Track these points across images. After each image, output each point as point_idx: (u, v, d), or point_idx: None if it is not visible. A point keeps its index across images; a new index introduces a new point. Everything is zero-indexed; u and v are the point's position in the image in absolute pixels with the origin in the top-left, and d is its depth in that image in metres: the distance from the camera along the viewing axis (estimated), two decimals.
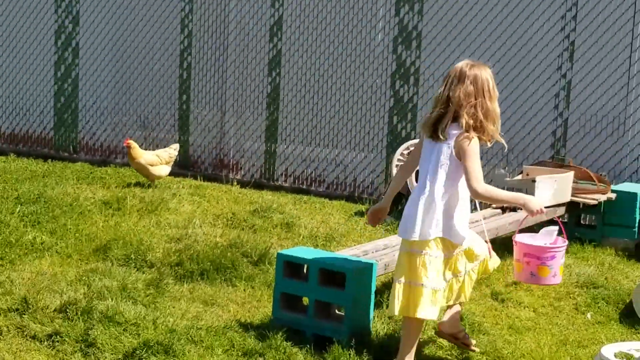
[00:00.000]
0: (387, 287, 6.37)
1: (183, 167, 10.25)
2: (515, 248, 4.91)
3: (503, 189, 7.37)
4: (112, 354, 4.99)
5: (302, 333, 5.23)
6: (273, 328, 5.20)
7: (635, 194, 7.42)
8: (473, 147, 4.73)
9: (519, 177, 7.75)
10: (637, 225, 7.34)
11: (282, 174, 9.79)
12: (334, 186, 9.52)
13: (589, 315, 6.01)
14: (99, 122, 10.70)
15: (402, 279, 4.82)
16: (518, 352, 5.37)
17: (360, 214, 8.56)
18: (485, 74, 4.88)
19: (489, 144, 4.86)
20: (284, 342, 5.07)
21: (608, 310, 6.09)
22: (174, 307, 5.78)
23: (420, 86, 9.03)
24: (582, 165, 7.55)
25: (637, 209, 7.39)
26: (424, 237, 4.79)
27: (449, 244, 4.85)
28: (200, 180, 9.54)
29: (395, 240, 6.18)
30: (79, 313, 5.40)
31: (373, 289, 5.38)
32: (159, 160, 8.77)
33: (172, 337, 5.04)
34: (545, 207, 7.20)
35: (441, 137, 4.78)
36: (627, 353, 4.30)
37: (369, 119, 9.30)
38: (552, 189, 7.27)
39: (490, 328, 5.75)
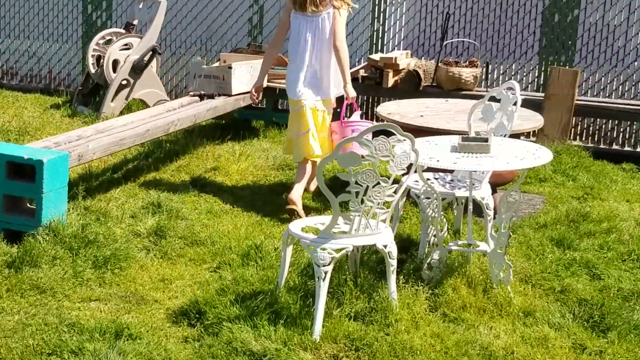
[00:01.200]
0: (82, 178, 6.24)
1: None
2: (347, 130, 5.77)
3: (200, 76, 7.43)
4: None
5: None
6: None
7: None
8: (344, 13, 5.80)
9: (217, 64, 7.78)
10: None
11: None
12: (28, 79, 9.10)
13: (284, 196, 6.23)
14: None
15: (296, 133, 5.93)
16: (215, 234, 5.48)
17: (57, 106, 8.26)
18: None
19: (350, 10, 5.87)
20: None
21: None
22: None
23: None
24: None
25: None
26: (305, 97, 5.87)
27: (324, 102, 5.92)
28: None
29: (89, 130, 6.04)
30: None
31: (66, 180, 5.25)
32: None
33: None
34: (242, 93, 7.36)
35: (320, 9, 5.74)
36: (313, 227, 4.51)
37: (62, 8, 8.91)
38: (249, 74, 7.38)
39: (189, 213, 5.81)
